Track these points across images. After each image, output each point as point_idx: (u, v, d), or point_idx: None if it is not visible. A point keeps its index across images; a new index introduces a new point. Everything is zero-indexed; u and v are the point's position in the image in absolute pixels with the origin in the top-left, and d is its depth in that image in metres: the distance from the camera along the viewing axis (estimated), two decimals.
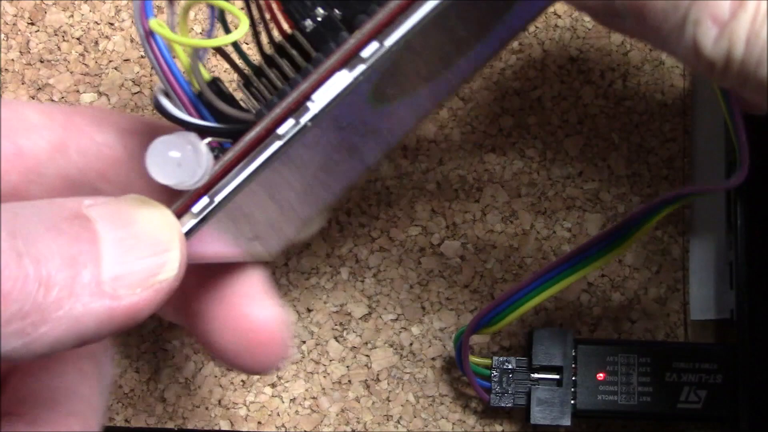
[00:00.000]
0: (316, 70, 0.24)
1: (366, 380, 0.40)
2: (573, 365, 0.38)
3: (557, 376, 0.38)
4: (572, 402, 0.38)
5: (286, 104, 0.24)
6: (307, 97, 0.24)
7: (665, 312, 0.41)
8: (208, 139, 0.24)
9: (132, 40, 0.41)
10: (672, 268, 0.41)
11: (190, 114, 0.25)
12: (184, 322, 0.29)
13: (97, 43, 0.41)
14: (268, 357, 0.28)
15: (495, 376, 0.38)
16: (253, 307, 0.28)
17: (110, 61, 0.41)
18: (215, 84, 0.25)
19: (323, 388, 0.40)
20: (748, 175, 0.37)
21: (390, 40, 0.24)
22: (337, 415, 0.40)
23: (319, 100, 0.24)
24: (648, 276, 0.41)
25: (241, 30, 0.23)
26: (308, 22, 0.25)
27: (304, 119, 0.24)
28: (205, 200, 0.24)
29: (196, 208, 0.25)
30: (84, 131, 0.27)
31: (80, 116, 0.27)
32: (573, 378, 0.38)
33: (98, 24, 0.41)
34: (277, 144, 0.24)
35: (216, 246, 0.26)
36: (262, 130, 0.24)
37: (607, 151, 0.41)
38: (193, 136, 0.24)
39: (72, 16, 0.41)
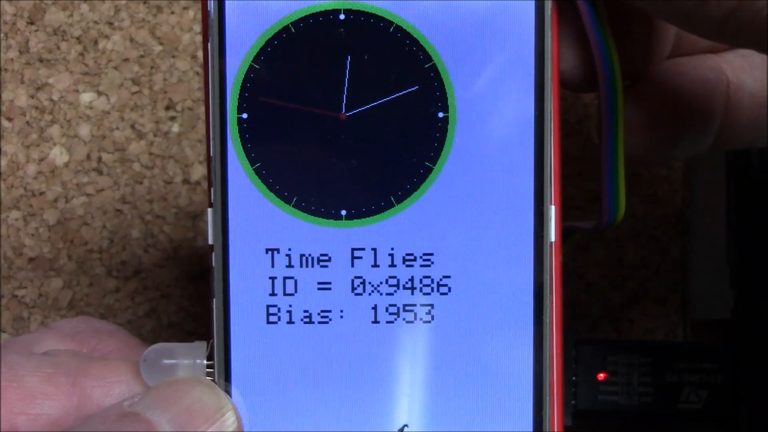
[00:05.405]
0: None
1: None
2: (573, 365, 0.38)
3: None
4: (572, 402, 0.38)
5: None
6: None
7: (665, 312, 0.41)
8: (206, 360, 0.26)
9: (131, 40, 0.41)
10: (672, 268, 0.41)
11: None
12: None
13: (96, 42, 0.41)
14: None
15: None
16: None
17: (110, 61, 0.41)
18: None
19: None
20: (749, 175, 0.37)
21: None
22: None
23: None
24: (648, 276, 0.41)
25: None
26: None
27: None
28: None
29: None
30: (91, 397, 0.25)
31: (89, 378, 0.25)
32: (573, 378, 0.38)
33: (97, 23, 0.41)
34: None
35: None
36: None
37: None
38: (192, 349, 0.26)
39: (71, 15, 0.41)
